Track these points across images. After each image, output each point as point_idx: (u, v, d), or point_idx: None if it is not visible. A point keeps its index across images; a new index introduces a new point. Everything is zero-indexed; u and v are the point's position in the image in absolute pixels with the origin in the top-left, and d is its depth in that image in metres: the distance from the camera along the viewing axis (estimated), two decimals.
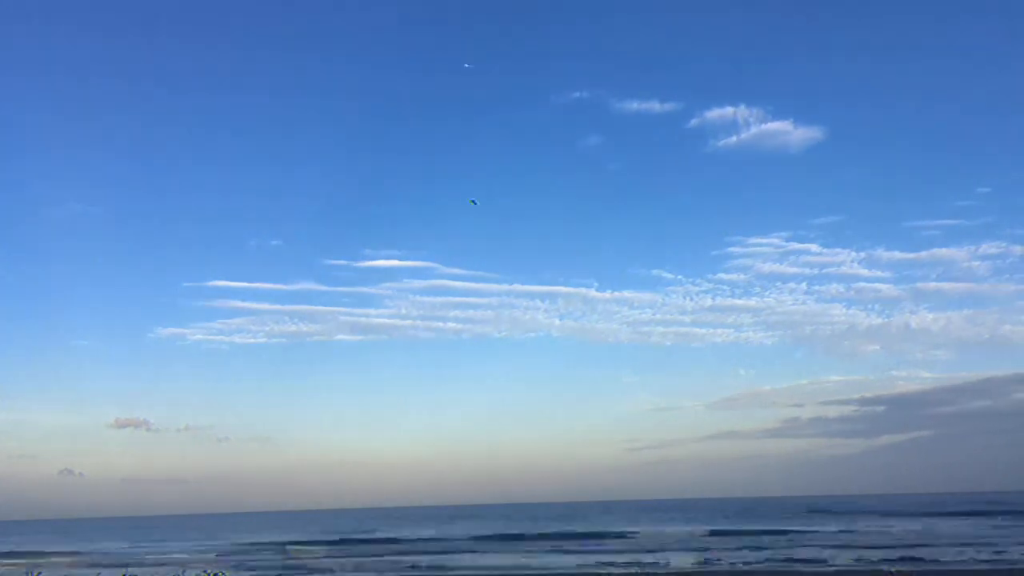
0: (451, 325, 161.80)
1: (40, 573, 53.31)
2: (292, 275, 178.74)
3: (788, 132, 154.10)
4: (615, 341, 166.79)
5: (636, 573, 44.33)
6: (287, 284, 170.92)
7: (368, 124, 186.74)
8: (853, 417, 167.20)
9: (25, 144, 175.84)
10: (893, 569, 40.84)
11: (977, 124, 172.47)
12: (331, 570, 53.57)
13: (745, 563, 47.70)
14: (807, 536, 69.63)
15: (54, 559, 71.86)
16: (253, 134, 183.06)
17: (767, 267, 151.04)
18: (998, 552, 48.57)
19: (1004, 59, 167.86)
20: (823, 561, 47.27)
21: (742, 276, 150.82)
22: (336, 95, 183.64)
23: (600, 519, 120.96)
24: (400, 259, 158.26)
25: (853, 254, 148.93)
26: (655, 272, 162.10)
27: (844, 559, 47.76)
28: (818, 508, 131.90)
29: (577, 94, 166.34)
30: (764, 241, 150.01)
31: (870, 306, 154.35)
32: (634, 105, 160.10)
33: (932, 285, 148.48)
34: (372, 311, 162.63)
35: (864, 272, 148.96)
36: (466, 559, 57.63)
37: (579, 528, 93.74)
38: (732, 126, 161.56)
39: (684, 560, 50.72)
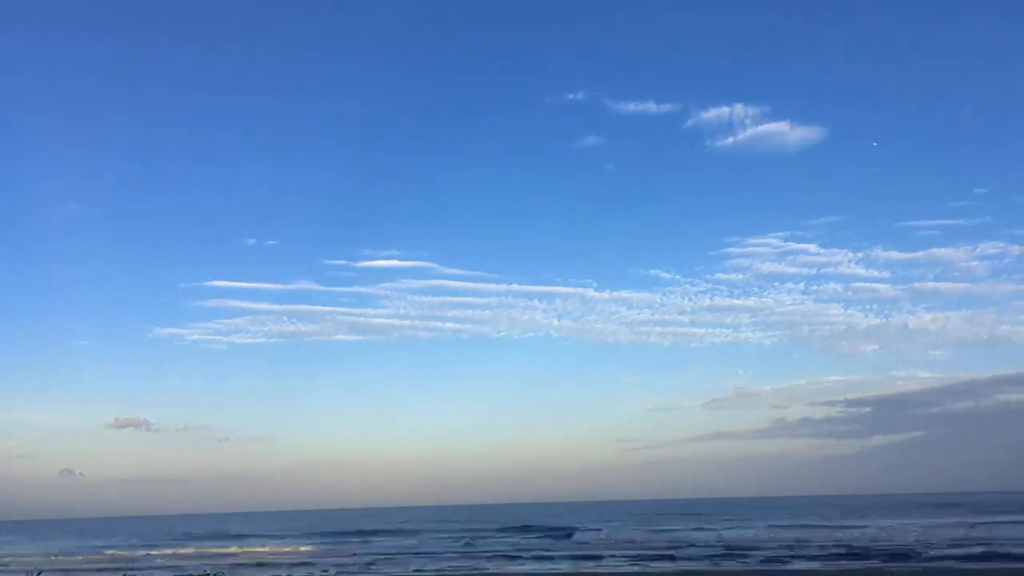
0: (450, 325, 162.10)
1: (40, 573, 53.32)
2: (290, 275, 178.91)
3: (786, 132, 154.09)
4: (614, 341, 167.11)
5: (636, 573, 44.37)
6: (285, 284, 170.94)
7: (366, 124, 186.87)
8: (853, 417, 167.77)
9: (24, 144, 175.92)
10: (893, 569, 40.95)
11: (975, 124, 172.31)
12: None
13: (745, 562, 47.76)
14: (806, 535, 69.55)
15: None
16: (251, 134, 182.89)
17: (765, 267, 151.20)
18: (997, 550, 48.57)
19: (1001, 59, 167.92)
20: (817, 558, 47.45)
21: (740, 276, 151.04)
22: (334, 95, 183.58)
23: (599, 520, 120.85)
24: (399, 259, 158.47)
25: (851, 254, 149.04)
26: (653, 272, 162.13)
27: (844, 559, 47.79)
28: (818, 508, 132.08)
29: (573, 95, 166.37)
30: (762, 241, 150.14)
31: (868, 306, 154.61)
32: (631, 106, 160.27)
33: (930, 285, 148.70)
34: (371, 311, 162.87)
35: (862, 272, 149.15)
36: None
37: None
38: (729, 126, 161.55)
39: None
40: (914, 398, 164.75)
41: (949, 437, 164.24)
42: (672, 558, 51.69)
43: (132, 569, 53.80)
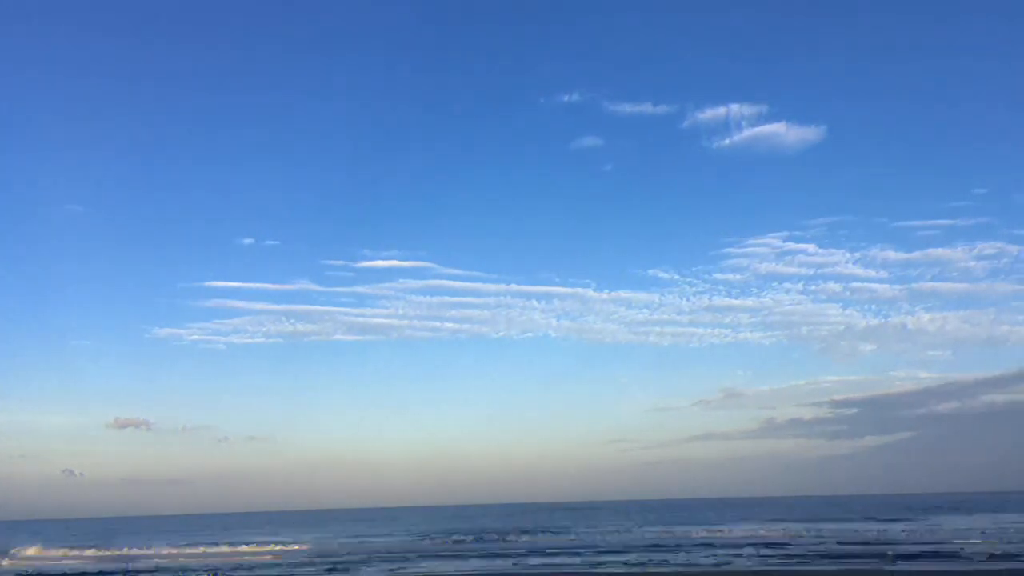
0: (448, 325, 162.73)
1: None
2: (289, 275, 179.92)
3: (783, 133, 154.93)
4: (613, 341, 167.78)
5: (636, 572, 44.31)
6: (284, 284, 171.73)
7: (365, 124, 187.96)
8: (851, 417, 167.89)
9: (24, 144, 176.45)
10: (893, 568, 40.91)
11: (973, 124, 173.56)
12: None
13: (747, 562, 47.71)
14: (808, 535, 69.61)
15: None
16: (250, 134, 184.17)
17: (764, 267, 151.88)
18: (998, 548, 48.55)
19: (1000, 59, 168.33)
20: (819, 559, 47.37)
21: (739, 276, 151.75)
22: (333, 95, 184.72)
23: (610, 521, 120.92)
24: (398, 259, 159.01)
25: (849, 254, 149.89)
26: (652, 272, 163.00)
27: (845, 557, 47.78)
28: (817, 507, 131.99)
29: (571, 96, 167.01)
30: (761, 241, 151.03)
31: (866, 306, 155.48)
32: (629, 107, 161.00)
33: (928, 285, 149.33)
34: (369, 311, 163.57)
35: (860, 272, 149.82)
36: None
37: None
38: (727, 127, 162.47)
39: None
40: (914, 398, 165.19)
41: (948, 437, 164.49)
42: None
43: (132, 569, 53.73)
